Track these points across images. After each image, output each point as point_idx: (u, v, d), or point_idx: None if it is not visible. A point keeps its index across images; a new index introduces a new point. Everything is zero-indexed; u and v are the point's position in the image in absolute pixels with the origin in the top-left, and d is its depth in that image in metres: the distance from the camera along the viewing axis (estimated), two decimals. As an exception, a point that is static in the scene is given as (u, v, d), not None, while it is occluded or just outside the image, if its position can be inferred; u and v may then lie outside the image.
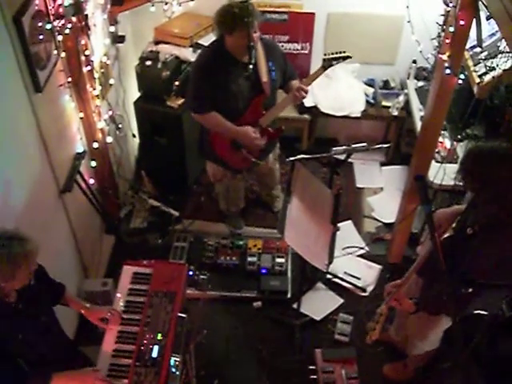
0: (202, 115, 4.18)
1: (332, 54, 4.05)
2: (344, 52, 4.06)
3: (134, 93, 5.16)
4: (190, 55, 4.99)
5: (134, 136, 5.39)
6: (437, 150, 4.42)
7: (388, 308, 3.37)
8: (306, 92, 4.09)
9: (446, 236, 3.15)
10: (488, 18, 3.83)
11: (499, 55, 3.74)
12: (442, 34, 4.17)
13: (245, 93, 4.11)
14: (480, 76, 3.97)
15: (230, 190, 4.92)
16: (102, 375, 2.88)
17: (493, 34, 4.10)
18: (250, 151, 4.33)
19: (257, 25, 3.84)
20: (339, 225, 4.11)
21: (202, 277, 4.65)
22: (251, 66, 3.94)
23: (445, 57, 3.51)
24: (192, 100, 4.24)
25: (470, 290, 3.12)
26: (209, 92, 4.05)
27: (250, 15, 3.72)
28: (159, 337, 3.04)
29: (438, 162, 4.38)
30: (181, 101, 4.91)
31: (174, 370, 2.94)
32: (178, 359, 2.98)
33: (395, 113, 5.53)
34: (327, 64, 4.06)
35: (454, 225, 3.21)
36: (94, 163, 4.47)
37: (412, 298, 3.32)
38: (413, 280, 3.47)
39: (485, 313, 3.61)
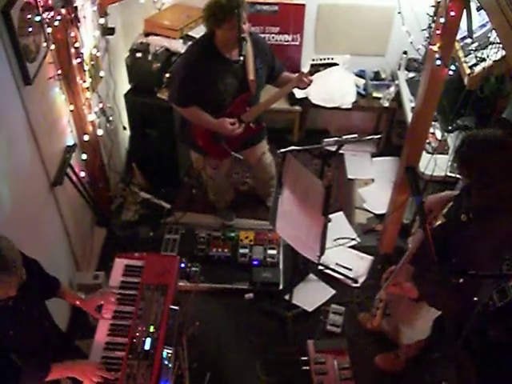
0: (184, 108, 4.20)
1: (320, 59, 4.06)
2: (332, 59, 4.06)
3: (125, 85, 5.14)
4: (180, 47, 4.98)
5: (124, 128, 5.37)
6: (428, 141, 4.43)
7: (387, 294, 3.38)
8: (310, 80, 4.10)
9: (438, 224, 3.17)
10: (478, 9, 3.85)
11: (490, 46, 3.74)
12: (433, 25, 4.17)
13: (231, 90, 4.11)
14: (470, 67, 3.99)
15: (214, 180, 4.91)
16: (102, 367, 2.89)
17: (483, 25, 4.11)
18: (229, 144, 4.34)
19: (245, 16, 3.83)
20: (330, 216, 4.11)
21: (193, 269, 4.66)
22: (242, 58, 3.94)
23: (435, 48, 3.51)
24: (176, 93, 4.22)
25: (461, 280, 3.14)
26: (194, 88, 4.05)
27: (238, 6, 3.71)
28: (151, 329, 3.04)
29: (428, 153, 4.39)
30: (171, 93, 4.90)
31: (166, 362, 2.95)
32: (170, 351, 2.99)
33: (386, 104, 5.54)
34: (314, 70, 4.07)
35: (444, 211, 3.22)
36: (84, 156, 4.46)
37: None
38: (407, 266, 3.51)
39: (475, 299, 3.63)
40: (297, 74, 4.15)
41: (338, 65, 4.09)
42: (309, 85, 4.13)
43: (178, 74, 4.21)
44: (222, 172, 4.86)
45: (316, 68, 4.07)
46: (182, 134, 4.66)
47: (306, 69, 4.11)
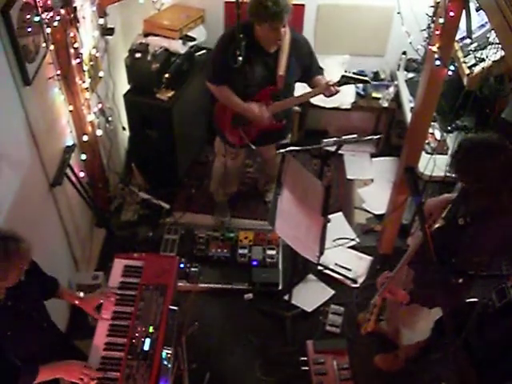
0: (216, 86, 4.26)
1: (353, 73, 4.06)
2: (365, 76, 4.14)
3: (124, 85, 5.13)
4: (179, 47, 4.98)
5: (123, 129, 5.37)
6: (427, 142, 4.43)
7: (382, 299, 3.39)
8: (337, 91, 4.11)
9: (436, 227, 3.17)
10: (478, 9, 3.85)
11: (489, 46, 3.75)
12: (432, 26, 4.18)
13: (258, 80, 4.15)
14: (470, 67, 3.99)
15: (226, 168, 4.91)
16: (89, 365, 2.89)
17: (482, 26, 4.11)
18: (246, 132, 4.36)
19: (286, 20, 3.84)
20: (330, 216, 4.11)
21: (193, 269, 4.66)
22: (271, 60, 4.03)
23: (435, 48, 3.51)
24: (210, 69, 4.32)
25: (461, 280, 3.14)
26: (225, 67, 4.08)
27: (282, 11, 3.74)
28: (151, 330, 3.04)
29: (428, 153, 4.40)
30: (171, 93, 4.90)
31: (165, 362, 2.95)
32: (169, 352, 2.99)
33: (385, 104, 5.54)
34: (343, 81, 4.06)
35: (443, 214, 3.23)
36: (84, 156, 4.46)
37: (405, 288, 3.34)
38: (404, 271, 3.50)
39: (475, 300, 3.63)
40: (325, 81, 4.15)
41: (369, 82, 4.15)
42: (334, 94, 4.13)
43: (214, 51, 4.29)
44: (237, 163, 4.91)
45: (346, 79, 4.07)
46: (210, 121, 4.68)
47: (335, 78, 4.11)
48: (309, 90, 4.33)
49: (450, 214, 3.18)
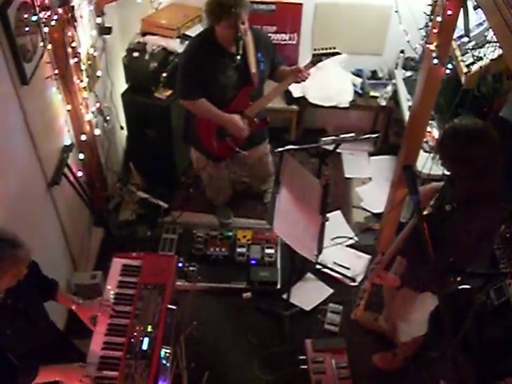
0: (192, 102, 4.21)
1: (322, 49, 4.06)
2: (334, 48, 4.08)
3: (122, 84, 5.13)
4: (177, 46, 4.97)
5: (121, 128, 5.36)
6: (425, 140, 4.43)
7: (371, 284, 3.40)
8: (308, 74, 4.13)
9: (424, 214, 3.18)
10: (475, 8, 3.85)
11: (486, 45, 3.75)
12: (430, 24, 4.17)
13: (233, 83, 4.12)
14: (467, 66, 3.99)
15: (214, 179, 4.93)
16: (89, 372, 2.86)
17: (480, 24, 4.11)
18: (234, 140, 4.35)
19: (245, 16, 3.84)
20: (328, 215, 4.11)
21: (191, 268, 4.66)
22: (238, 57, 3.95)
23: (432, 47, 3.51)
24: (181, 87, 4.26)
25: (459, 278, 3.15)
26: (197, 80, 4.08)
27: (236, 6, 3.72)
28: (149, 329, 3.03)
29: (426, 151, 4.40)
30: (169, 92, 4.89)
31: (164, 361, 2.94)
32: (168, 351, 2.98)
33: (383, 103, 5.54)
34: (316, 60, 4.09)
35: (432, 202, 3.24)
36: (81, 156, 4.45)
37: (396, 273, 3.37)
38: (398, 261, 3.53)
39: (468, 286, 3.63)
40: (293, 68, 4.16)
41: (340, 54, 4.10)
42: (307, 78, 4.15)
43: (180, 68, 4.25)
44: (223, 171, 4.87)
45: (318, 58, 4.10)
46: (185, 133, 4.66)
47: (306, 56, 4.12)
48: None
49: (437, 202, 3.19)
